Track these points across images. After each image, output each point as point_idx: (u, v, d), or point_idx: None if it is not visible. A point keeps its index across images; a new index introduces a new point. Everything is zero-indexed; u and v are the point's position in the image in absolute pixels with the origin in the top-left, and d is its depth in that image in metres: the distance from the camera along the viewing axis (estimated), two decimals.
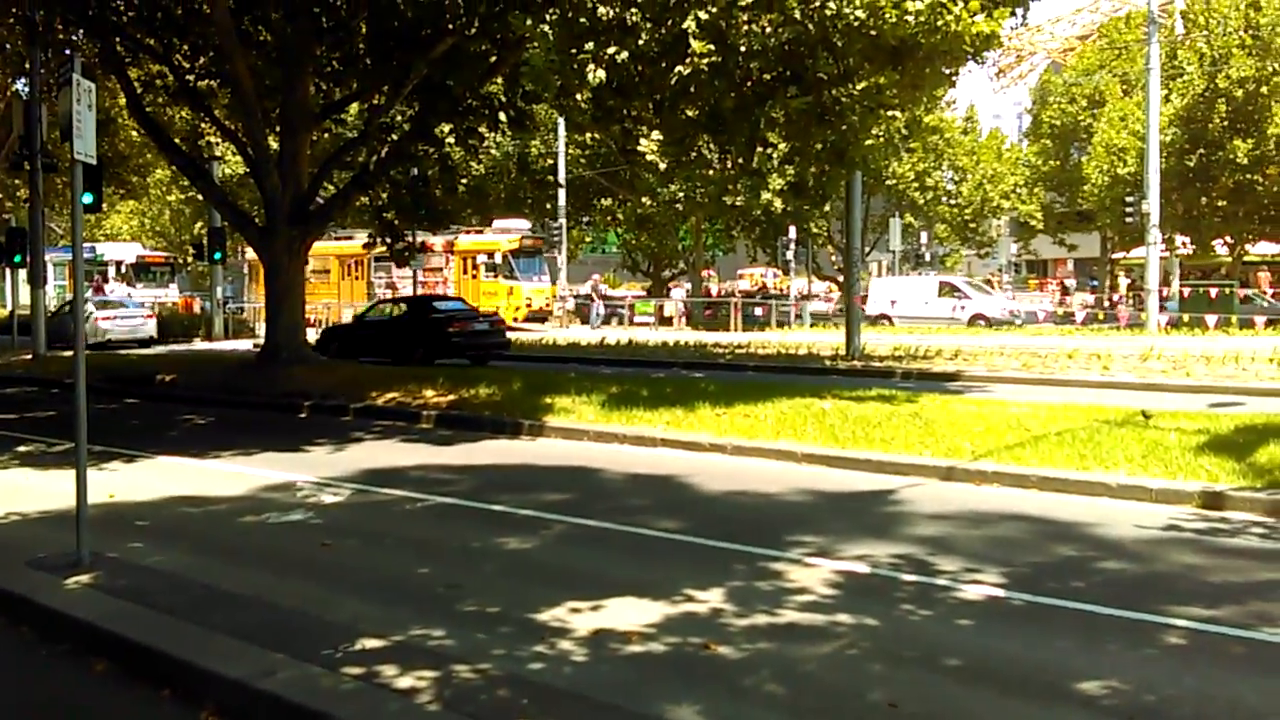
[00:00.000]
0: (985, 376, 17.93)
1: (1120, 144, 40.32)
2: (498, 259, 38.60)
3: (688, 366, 20.87)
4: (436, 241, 38.20)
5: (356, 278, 42.30)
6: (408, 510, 9.07)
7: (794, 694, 4.90)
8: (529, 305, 38.85)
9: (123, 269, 43.97)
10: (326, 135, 26.48)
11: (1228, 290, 31.96)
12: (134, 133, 32.40)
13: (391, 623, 5.79)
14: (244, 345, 28.36)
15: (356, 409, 15.25)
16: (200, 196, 38.00)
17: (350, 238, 41.16)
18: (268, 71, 19.61)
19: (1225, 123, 36.56)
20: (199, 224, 50.49)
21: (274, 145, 19.92)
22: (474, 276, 38.75)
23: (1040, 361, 19.06)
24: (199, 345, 31.33)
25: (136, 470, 10.96)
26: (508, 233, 39.81)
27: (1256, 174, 36.21)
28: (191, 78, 20.31)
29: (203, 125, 27.14)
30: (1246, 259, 41.77)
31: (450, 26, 17.69)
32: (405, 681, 4.92)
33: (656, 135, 13.06)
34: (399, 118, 21.60)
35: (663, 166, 13.51)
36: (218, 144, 32.37)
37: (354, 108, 24.82)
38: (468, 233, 40.11)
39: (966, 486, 9.51)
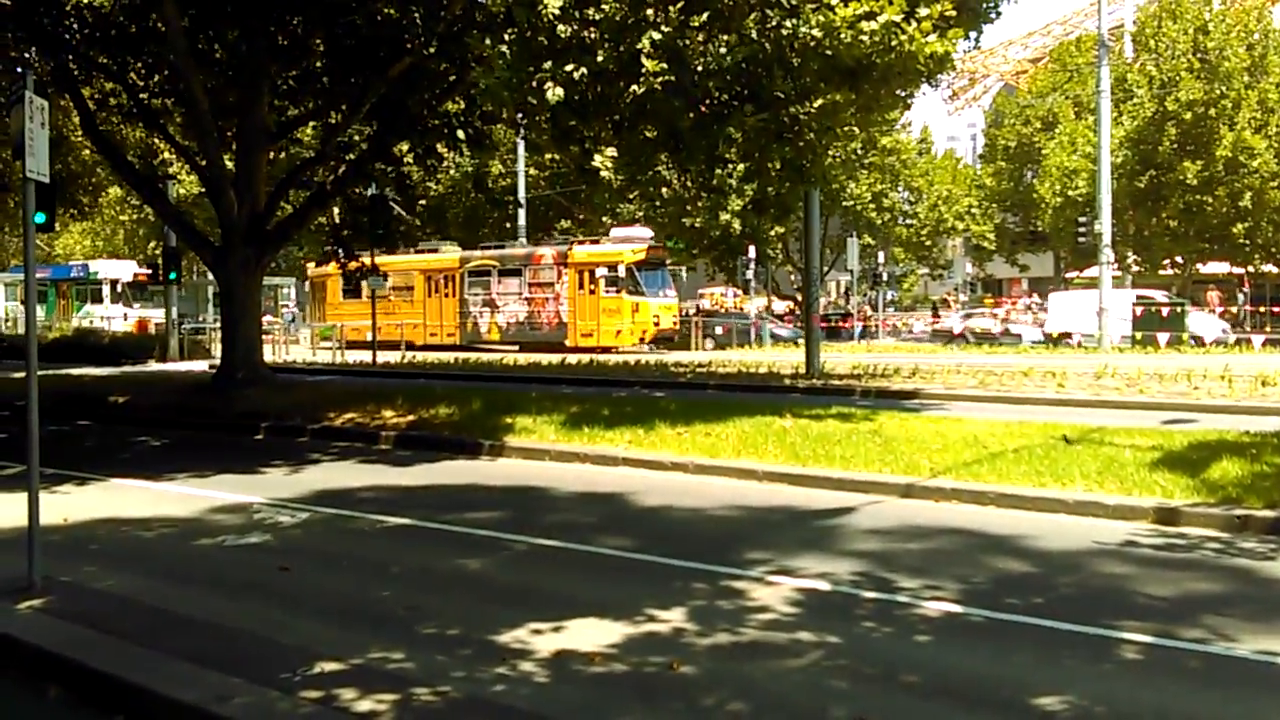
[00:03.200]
0: (943, 394, 18.08)
1: (1072, 166, 40.97)
2: (620, 271, 34.18)
3: (649, 385, 20.87)
4: (546, 253, 36.26)
5: (447, 295, 38.38)
6: (366, 532, 8.99)
7: (756, 712, 4.89)
8: (656, 324, 34.98)
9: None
10: (284, 154, 26.32)
11: (1178, 309, 32.51)
12: (86, 151, 31.99)
13: (350, 645, 5.73)
14: (200, 366, 28.04)
15: (314, 430, 15.11)
16: (154, 216, 37.57)
17: (436, 250, 39.38)
18: (224, 90, 19.47)
19: (1175, 145, 37.29)
20: (153, 244, 49.95)
21: (230, 164, 19.78)
22: (592, 292, 34.71)
23: (997, 379, 19.25)
24: (154, 367, 30.94)
25: (89, 493, 10.78)
26: (630, 241, 35.41)
27: (1205, 195, 36.94)
28: (146, 96, 20.13)
29: (157, 144, 26.92)
30: (1197, 278, 42.50)
31: (409, 46, 17.67)
32: (364, 705, 4.86)
33: (611, 151, 13.10)
34: (357, 137, 21.53)
35: (616, 184, 13.51)
36: (172, 163, 32.07)
37: (311, 127, 24.68)
38: (582, 243, 36.56)
39: (925, 503, 9.57)
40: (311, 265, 42.95)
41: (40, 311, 46.22)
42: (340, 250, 21.28)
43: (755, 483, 10.78)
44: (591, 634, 5.91)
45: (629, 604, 6.43)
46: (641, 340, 34.42)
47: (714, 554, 7.77)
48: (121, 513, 9.60)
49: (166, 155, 27.51)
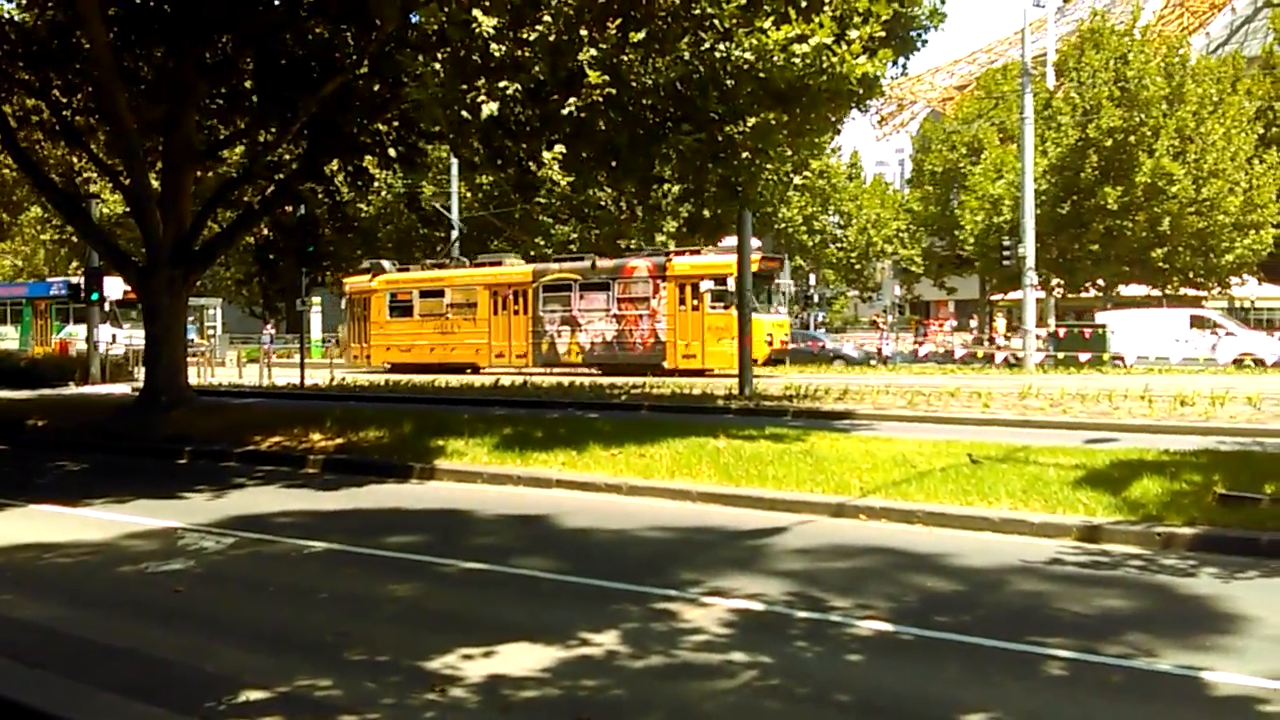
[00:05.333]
0: (872, 415, 18.28)
1: (996, 193, 41.80)
2: (729, 284, 29.61)
3: (583, 407, 20.83)
4: (640, 264, 32.68)
5: (516, 311, 34.58)
6: (293, 557, 8.83)
7: None
8: (769, 343, 31.63)
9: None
10: (211, 174, 25.91)
11: (1100, 331, 33.27)
12: (6, 169, 31.24)
13: (277, 673, 5.62)
14: (123, 389, 27.40)
15: (239, 454, 14.83)
16: (77, 236, 36.58)
17: (499, 263, 36.34)
18: (149, 108, 19.13)
19: (1096, 171, 38.22)
20: (75, 264, 48.81)
21: (156, 183, 19.41)
22: (695, 308, 31.18)
23: (925, 399, 19.53)
24: (74, 390, 30.16)
25: (5, 520, 10.46)
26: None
27: (1125, 219, 37.89)
28: (69, 113, 19.70)
29: (80, 162, 26.33)
30: (1117, 300, 43.56)
31: (340, 65, 17.53)
32: None
33: (561, 149, 13.10)
34: (286, 156, 21.27)
35: (564, 183, 13.50)
36: (96, 181, 31.38)
37: (240, 146, 24.35)
38: (681, 253, 32.80)
39: (856, 522, 9.66)
40: (350, 279, 40.12)
41: (13, 331, 44.43)
42: (265, 272, 20.93)
43: (689, 503, 10.79)
44: (523, 658, 5.86)
45: (561, 627, 6.39)
46: (754, 361, 31.63)
47: (647, 575, 7.76)
48: (40, 539, 9.33)
49: (90, 174, 26.92)
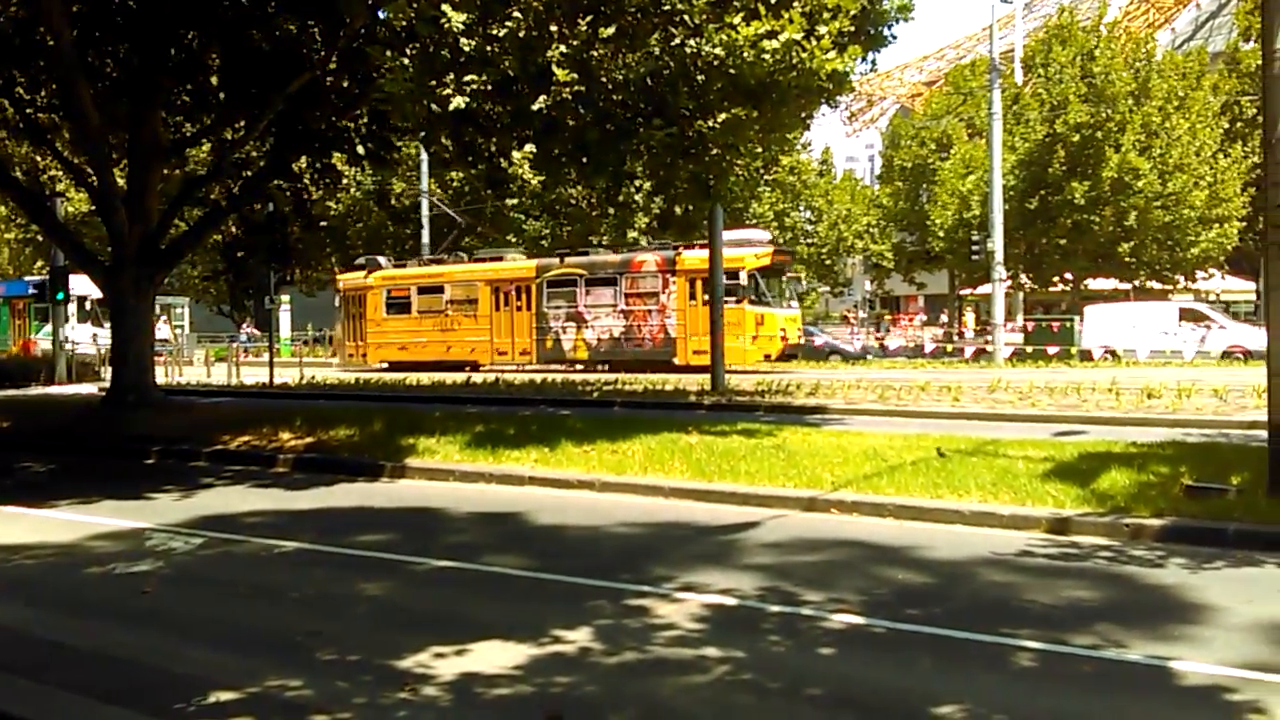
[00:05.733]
0: (843, 409, 18.35)
1: (965, 188, 42.06)
2: (742, 279, 29.64)
3: (555, 404, 20.79)
4: (648, 258, 31.88)
5: (519, 308, 33.76)
6: (262, 557, 8.76)
7: None
8: (783, 338, 31.21)
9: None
10: (178, 171, 25.67)
11: (1068, 324, 33.54)
12: None
13: (247, 674, 5.57)
14: (90, 389, 27.11)
15: (208, 453, 14.71)
16: (42, 234, 36.07)
17: (500, 258, 35.56)
18: (115, 105, 18.91)
19: (1064, 166, 38.52)
20: (40, 263, 48.24)
21: (122, 181, 19.20)
22: (706, 303, 28.96)
23: (895, 394, 19.62)
24: (39, 390, 29.82)
25: None
26: (751, 245, 31.13)
27: (1092, 214, 38.22)
28: (33, 110, 19.45)
29: (45, 160, 26.02)
30: (1085, 294, 43.93)
31: (308, 61, 17.40)
32: None
33: (530, 148, 13.07)
34: (255, 153, 21.09)
35: (535, 184, 13.52)
36: (61, 179, 31.02)
37: (206, 143, 24.14)
38: (691, 246, 31.21)
39: (828, 516, 9.69)
40: (343, 275, 39.54)
41: None
42: (233, 270, 20.75)
43: (662, 499, 10.79)
44: (496, 656, 5.84)
45: (534, 624, 6.37)
46: (767, 358, 30.65)
47: (620, 571, 7.75)
48: (5, 541, 9.20)
49: (55, 172, 26.59)
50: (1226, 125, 40.99)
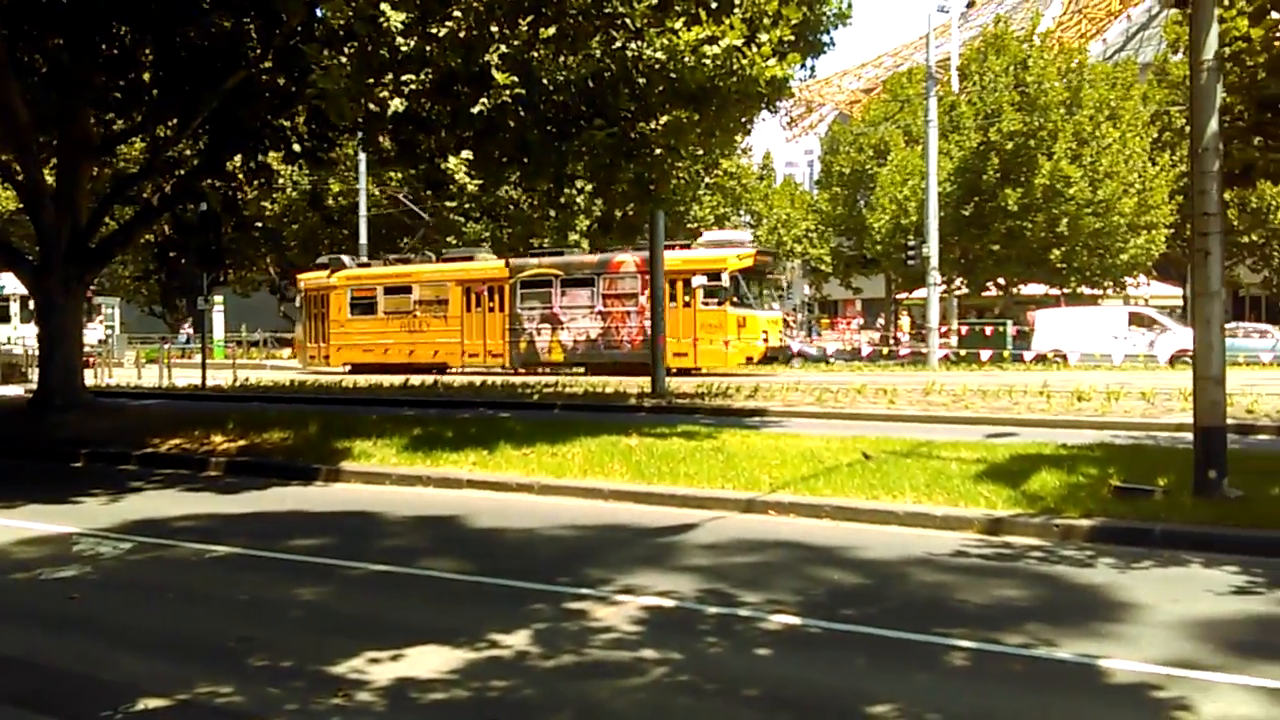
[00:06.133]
0: (782, 411, 18.47)
1: (902, 194, 42.57)
2: (724, 280, 29.53)
3: (495, 406, 20.68)
4: (627, 259, 31.09)
5: (491, 309, 33.06)
6: (193, 562, 8.61)
7: None
8: (765, 340, 30.92)
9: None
10: (109, 169, 25.14)
11: (1000, 329, 34.04)
12: None
13: (176, 681, 5.47)
14: (15, 391, 26.45)
15: (138, 457, 14.42)
16: None
17: (470, 258, 34.68)
18: (44, 101, 18.45)
19: (998, 173, 39.11)
20: None
21: (50, 179, 18.75)
22: (687, 304, 29.88)
23: (833, 396, 19.79)
24: None
25: None
26: (732, 246, 30.99)
27: (1025, 220, 38.82)
28: None
29: None
30: (1017, 299, 44.65)
31: (244, 58, 17.13)
32: None
33: (466, 154, 12.97)
34: (188, 151, 20.71)
35: (472, 188, 13.42)
36: None
37: (139, 140, 23.66)
38: (671, 248, 30.16)
39: (766, 518, 9.75)
40: (305, 275, 38.46)
41: None
42: (165, 270, 20.36)
43: (601, 502, 10.78)
44: (432, 661, 5.79)
45: (471, 628, 6.33)
46: (749, 360, 30.30)
47: (558, 575, 7.73)
48: None
49: None
50: (1155, 135, 41.92)
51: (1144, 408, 17.21)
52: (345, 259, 37.83)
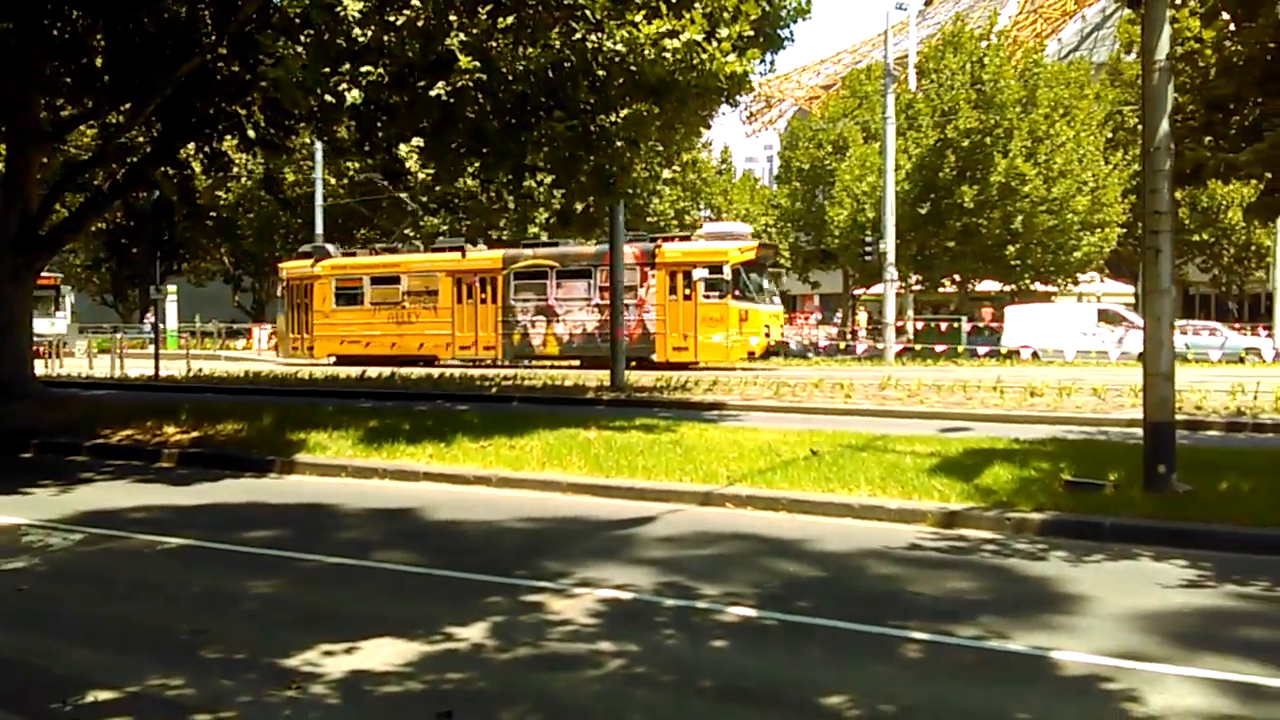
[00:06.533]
0: (740, 405, 18.55)
1: (860, 190, 42.83)
2: (725, 273, 29.14)
3: (453, 399, 20.58)
4: (626, 250, 28.49)
5: (484, 300, 32.41)
6: (145, 553, 8.50)
7: None
8: (767, 335, 30.46)
9: None
10: (59, 155, 24.70)
11: (955, 324, 34.36)
12: None
13: (127, 672, 5.40)
14: None
15: (89, 447, 14.21)
16: None
17: (460, 248, 33.81)
18: None
19: (954, 171, 39.46)
20: None
21: None
22: (687, 297, 29.54)
23: (790, 390, 19.90)
24: None
25: None
26: (735, 238, 30.55)
27: (981, 217, 39.22)
28: None
29: None
30: (972, 295, 45.09)
31: (198, 45, 16.88)
32: None
33: (418, 141, 12.88)
34: (141, 138, 20.39)
35: (426, 178, 13.30)
36: None
37: (90, 127, 23.28)
38: (670, 239, 31.19)
39: (723, 510, 9.79)
40: (287, 264, 37.37)
41: None
42: (117, 258, 20.07)
43: (559, 494, 10.77)
44: (386, 653, 5.76)
45: (426, 621, 6.30)
46: (750, 355, 29.83)
47: (515, 567, 7.71)
48: None
49: None
50: (1109, 134, 42.48)
51: (1095, 403, 17.45)
52: (329, 248, 36.86)
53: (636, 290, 29.99)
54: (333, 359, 34.73)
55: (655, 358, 30.01)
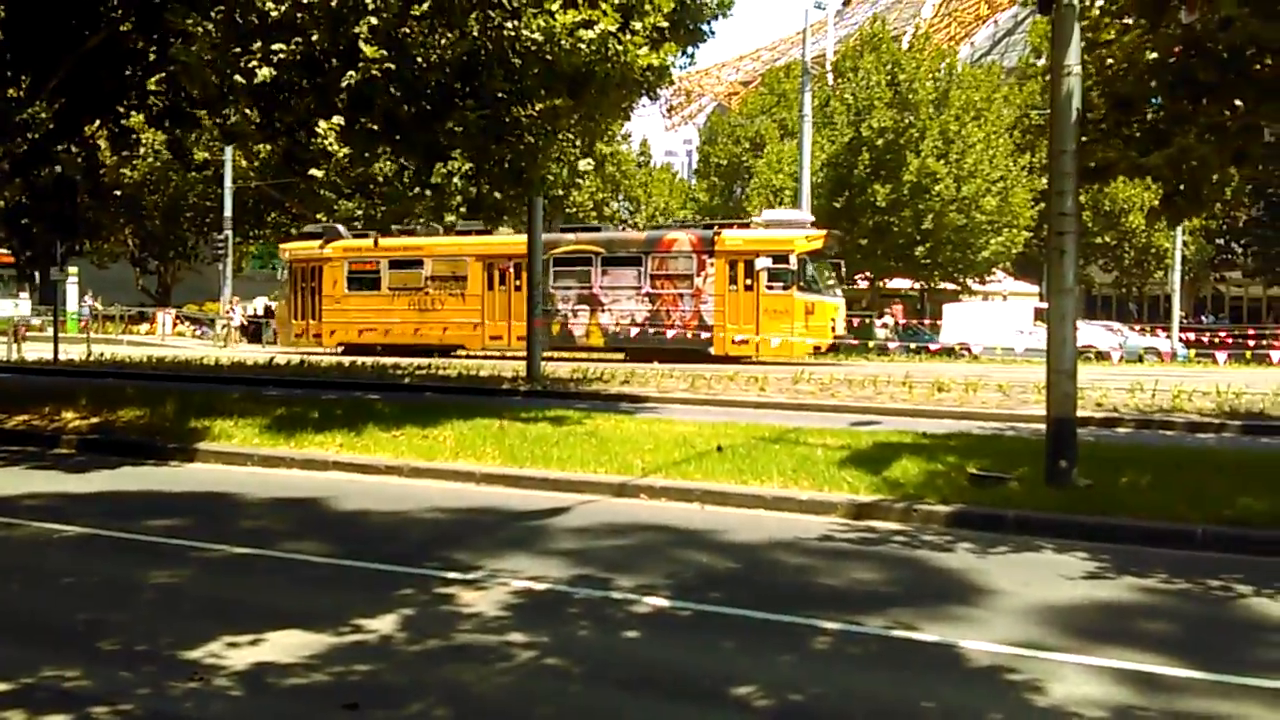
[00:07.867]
0: (657, 397, 18.59)
1: (777, 184, 43.24)
2: (791, 262, 27.38)
3: (365, 388, 20.28)
4: (681, 237, 28.91)
5: (518, 287, 28.39)
6: (40, 541, 8.21)
7: (461, 716, 4.82)
8: (832, 328, 28.61)
9: None
10: None
11: (867, 320, 34.90)
12: None
13: (20, 664, 5.21)
14: None
15: None
16: None
17: (489, 231, 30.11)
18: None
19: (868, 169, 40.03)
20: None
21: None
22: (749, 288, 27.75)
23: (706, 383, 20.00)
24: None
25: None
26: (800, 226, 28.62)
27: (893, 216, 39.86)
28: None
29: None
30: (883, 292, 45.84)
31: (104, 19, 16.33)
32: None
33: (339, 120, 12.60)
34: (42, 114, 19.65)
35: (342, 154, 12.98)
36: None
37: None
38: (729, 225, 29.26)
39: (637, 501, 9.80)
40: (291, 245, 35.21)
41: None
42: (17, 238, 19.36)
43: (473, 485, 10.67)
44: (292, 645, 5.64)
45: (334, 613, 6.19)
46: (817, 350, 28.12)
47: (426, 558, 7.62)
48: None
49: None
50: (1018, 137, 43.48)
51: (1000, 399, 17.85)
52: (340, 228, 34.10)
53: (693, 279, 28.54)
54: (341, 348, 32.05)
55: (713, 351, 28.11)
